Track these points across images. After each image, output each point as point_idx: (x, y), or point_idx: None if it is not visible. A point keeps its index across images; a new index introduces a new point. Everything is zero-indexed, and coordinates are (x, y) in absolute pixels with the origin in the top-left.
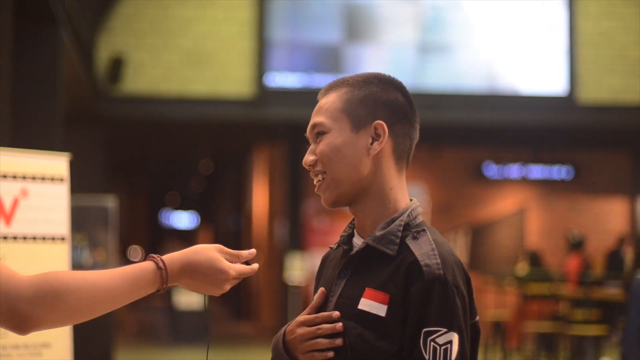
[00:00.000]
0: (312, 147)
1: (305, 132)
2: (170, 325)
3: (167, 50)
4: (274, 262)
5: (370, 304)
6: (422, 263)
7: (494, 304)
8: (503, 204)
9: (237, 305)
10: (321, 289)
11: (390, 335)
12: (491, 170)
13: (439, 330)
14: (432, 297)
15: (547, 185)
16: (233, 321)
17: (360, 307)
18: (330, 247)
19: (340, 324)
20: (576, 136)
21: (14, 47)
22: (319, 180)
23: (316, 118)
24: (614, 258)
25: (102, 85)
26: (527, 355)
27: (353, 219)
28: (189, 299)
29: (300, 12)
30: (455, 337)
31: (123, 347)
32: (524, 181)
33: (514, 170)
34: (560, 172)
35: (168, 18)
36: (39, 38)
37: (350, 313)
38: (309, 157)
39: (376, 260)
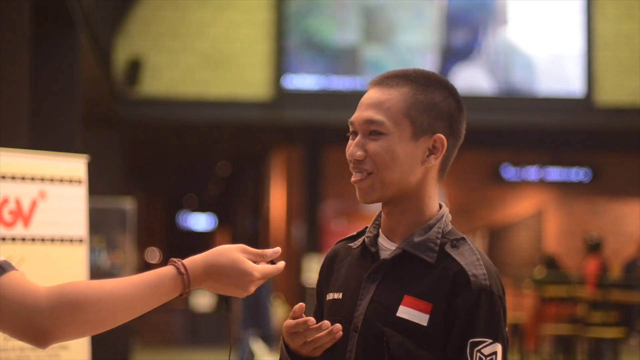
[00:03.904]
0: (360, 140)
1: (324, 132)
2: (188, 327)
3: (184, 52)
4: (292, 264)
5: (411, 312)
6: (469, 273)
7: (511, 306)
8: (521, 207)
9: None
10: (300, 305)
11: (431, 345)
12: (509, 172)
13: (485, 341)
14: (479, 308)
15: (565, 188)
16: None
17: (399, 314)
18: (343, 244)
19: (339, 326)
20: (594, 138)
21: (32, 49)
22: (362, 177)
23: (374, 114)
24: (632, 268)
25: (120, 87)
26: (545, 357)
27: (376, 219)
28: (207, 302)
29: (317, 14)
30: (499, 348)
31: (141, 349)
32: (542, 183)
33: (532, 173)
34: (578, 174)
35: (186, 20)
36: (57, 41)
37: (388, 320)
38: (357, 152)
39: (413, 266)
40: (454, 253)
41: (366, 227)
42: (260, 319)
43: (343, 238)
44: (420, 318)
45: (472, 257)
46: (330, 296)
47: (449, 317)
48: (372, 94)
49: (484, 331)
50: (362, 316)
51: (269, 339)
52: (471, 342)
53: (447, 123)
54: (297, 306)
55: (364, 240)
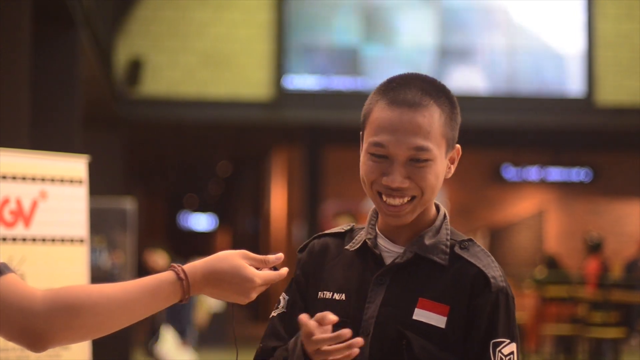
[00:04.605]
0: (401, 168)
1: (324, 132)
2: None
3: (185, 52)
4: (292, 264)
5: (428, 315)
6: (488, 275)
7: None
8: (522, 207)
9: (254, 306)
10: (332, 319)
11: (451, 347)
12: (510, 172)
13: (504, 341)
14: (499, 309)
15: (565, 188)
16: (251, 323)
17: (415, 317)
18: (331, 240)
19: (360, 340)
20: (595, 138)
21: (33, 49)
22: (403, 202)
23: (422, 141)
24: (632, 268)
25: (121, 87)
26: (546, 357)
27: (371, 219)
28: (209, 301)
29: (318, 14)
30: (515, 347)
31: (142, 348)
32: (543, 183)
33: (533, 173)
34: (579, 174)
35: (186, 20)
36: (58, 40)
37: (404, 323)
38: (403, 181)
39: (424, 269)
40: (465, 255)
41: (352, 226)
42: (180, 316)
43: (324, 233)
44: (438, 320)
45: (487, 259)
46: (328, 295)
47: (468, 318)
48: (406, 117)
49: (503, 332)
50: (374, 319)
51: (185, 335)
52: (493, 343)
53: (458, 131)
54: (328, 318)
55: (364, 241)
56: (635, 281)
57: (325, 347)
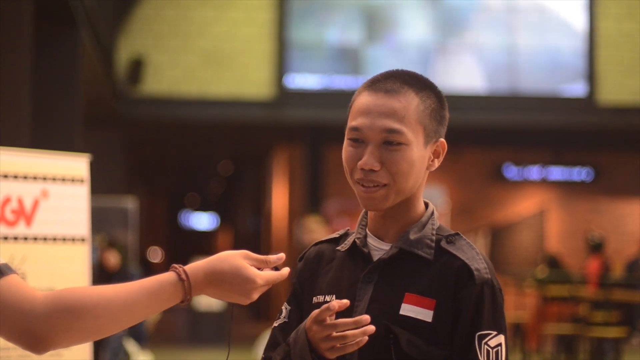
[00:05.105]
0: (374, 149)
1: (325, 131)
2: (190, 325)
3: (186, 51)
4: (293, 263)
5: (415, 310)
6: (472, 267)
7: (513, 305)
8: (523, 206)
9: (256, 305)
10: (345, 301)
11: (439, 341)
12: (511, 171)
13: (491, 334)
14: (484, 301)
15: (567, 187)
16: (252, 322)
17: (402, 312)
18: (326, 246)
19: (373, 327)
20: (596, 137)
21: (34, 48)
22: (375, 187)
23: (394, 123)
24: (634, 267)
25: (122, 86)
26: (547, 357)
27: (362, 220)
28: (209, 300)
29: (319, 13)
30: (503, 339)
31: (142, 348)
32: (544, 183)
33: (534, 172)
34: (580, 173)
35: (187, 19)
36: (59, 40)
37: (392, 319)
38: (374, 163)
39: (410, 264)
40: (451, 249)
41: (347, 230)
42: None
43: (322, 240)
44: (425, 314)
45: (471, 251)
46: (320, 299)
47: (454, 311)
48: (381, 101)
49: (489, 324)
50: None
51: (141, 339)
52: (478, 335)
53: (444, 127)
54: (342, 302)
55: (354, 241)
56: (636, 280)
57: (338, 333)
